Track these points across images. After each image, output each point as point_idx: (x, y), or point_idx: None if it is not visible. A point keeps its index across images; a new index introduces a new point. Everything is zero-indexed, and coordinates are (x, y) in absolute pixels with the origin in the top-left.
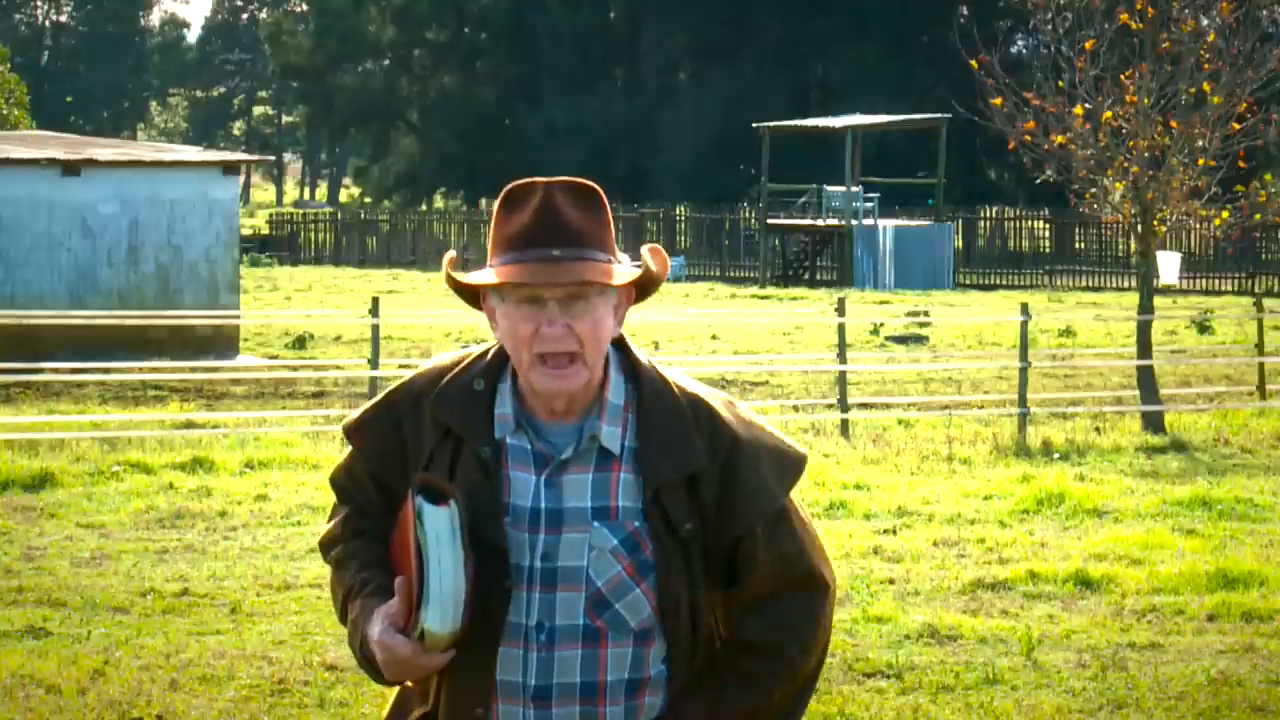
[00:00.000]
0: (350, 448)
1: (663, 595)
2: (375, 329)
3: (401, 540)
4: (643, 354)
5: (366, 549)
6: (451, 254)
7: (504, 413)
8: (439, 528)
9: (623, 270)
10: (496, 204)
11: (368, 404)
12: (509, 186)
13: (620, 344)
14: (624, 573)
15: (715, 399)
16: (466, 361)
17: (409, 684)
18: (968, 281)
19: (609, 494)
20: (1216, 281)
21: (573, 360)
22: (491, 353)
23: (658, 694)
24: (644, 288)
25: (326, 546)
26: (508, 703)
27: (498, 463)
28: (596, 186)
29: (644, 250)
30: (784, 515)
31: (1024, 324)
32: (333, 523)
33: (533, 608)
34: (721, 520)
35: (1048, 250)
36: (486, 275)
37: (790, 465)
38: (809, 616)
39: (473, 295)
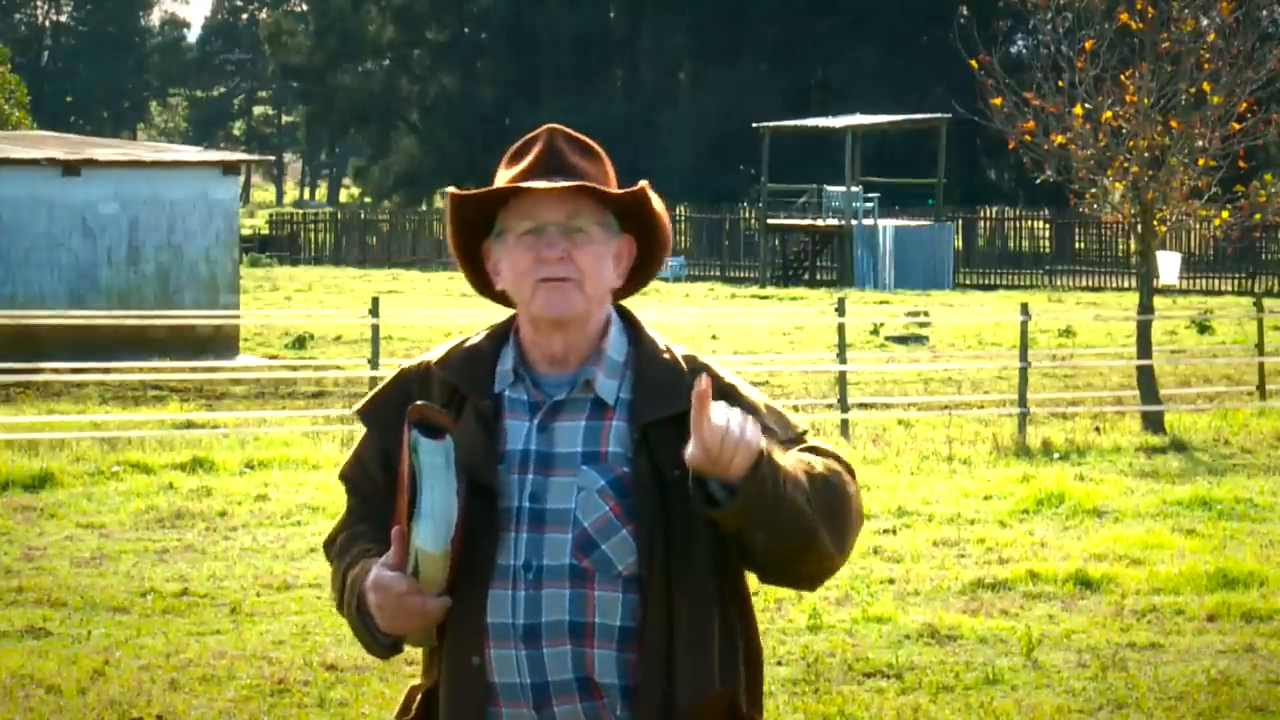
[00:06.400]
0: (363, 432)
1: (638, 540)
2: (375, 329)
3: (401, 477)
4: (647, 325)
5: (372, 532)
6: (452, 188)
7: (504, 369)
8: (435, 460)
9: (617, 190)
10: (503, 160)
11: (379, 385)
12: (516, 143)
13: (624, 310)
14: (610, 513)
15: (716, 366)
16: (478, 331)
17: (407, 640)
18: (968, 281)
19: (600, 440)
20: (1216, 281)
21: (568, 281)
22: (502, 321)
23: None
24: (648, 243)
25: (331, 541)
26: (500, 646)
27: (496, 415)
28: (596, 144)
29: (643, 182)
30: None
31: (1024, 324)
32: (339, 519)
33: (520, 548)
34: None
35: (1048, 250)
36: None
37: (791, 424)
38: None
39: (476, 266)
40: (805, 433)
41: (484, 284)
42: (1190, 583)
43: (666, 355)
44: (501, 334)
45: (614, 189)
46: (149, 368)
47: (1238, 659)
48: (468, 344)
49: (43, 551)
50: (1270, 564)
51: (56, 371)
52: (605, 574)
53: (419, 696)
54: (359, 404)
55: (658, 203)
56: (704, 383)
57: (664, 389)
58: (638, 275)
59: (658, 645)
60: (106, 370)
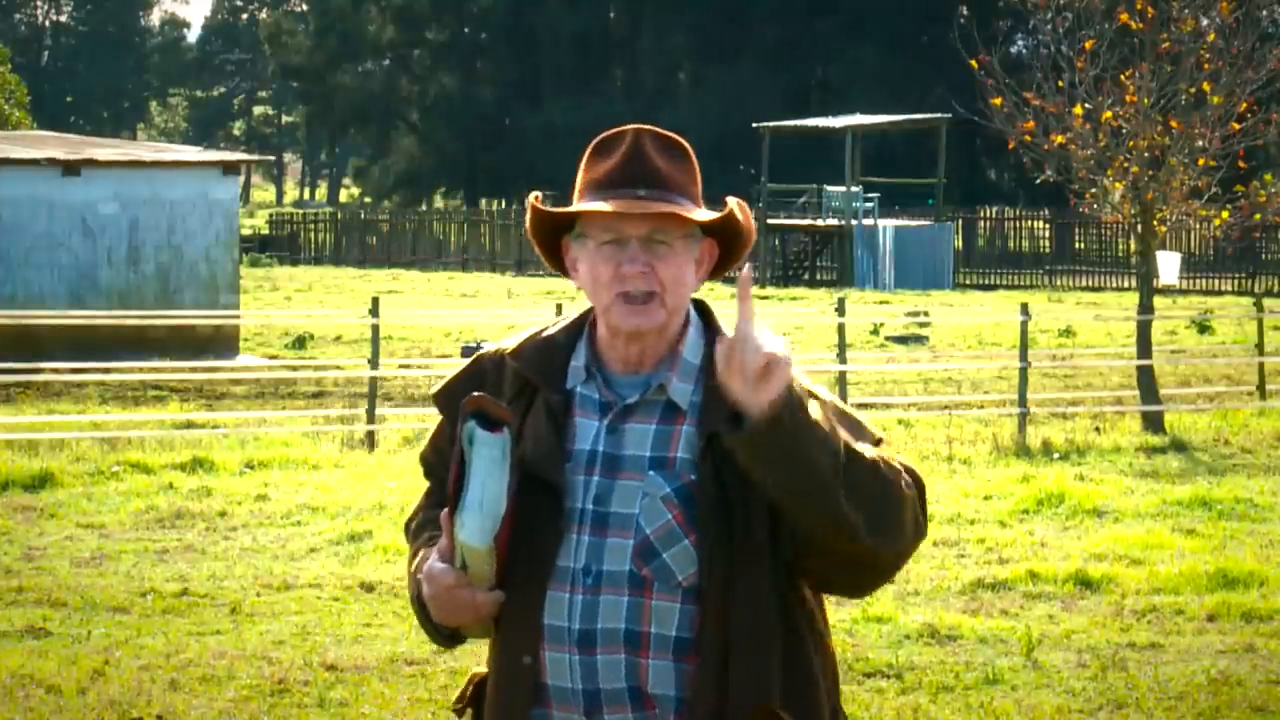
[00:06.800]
0: (439, 417)
1: (699, 550)
2: (375, 329)
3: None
4: (726, 324)
5: None
6: (537, 194)
7: (578, 364)
8: (491, 454)
9: (705, 212)
10: (586, 154)
11: (456, 370)
12: (600, 136)
13: (705, 308)
14: (674, 521)
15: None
16: (554, 322)
17: (463, 628)
18: (968, 281)
19: (669, 446)
20: (1216, 281)
21: (651, 298)
22: (578, 313)
23: None
24: (730, 247)
25: (409, 522)
26: (554, 649)
27: (566, 411)
28: (685, 142)
29: (729, 199)
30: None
31: (1024, 324)
32: (418, 501)
33: (581, 551)
34: None
35: (1048, 250)
36: (573, 208)
37: (866, 429)
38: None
39: (554, 252)
40: (880, 441)
41: (567, 271)
42: (1190, 583)
43: None
44: (577, 328)
45: (699, 204)
46: (149, 368)
47: (1238, 659)
48: (543, 335)
49: (43, 551)
50: (1270, 564)
51: (56, 371)
52: (664, 584)
53: (473, 684)
54: (435, 387)
55: (744, 216)
56: (747, 270)
57: None
58: (718, 269)
59: (714, 657)
60: (106, 370)
